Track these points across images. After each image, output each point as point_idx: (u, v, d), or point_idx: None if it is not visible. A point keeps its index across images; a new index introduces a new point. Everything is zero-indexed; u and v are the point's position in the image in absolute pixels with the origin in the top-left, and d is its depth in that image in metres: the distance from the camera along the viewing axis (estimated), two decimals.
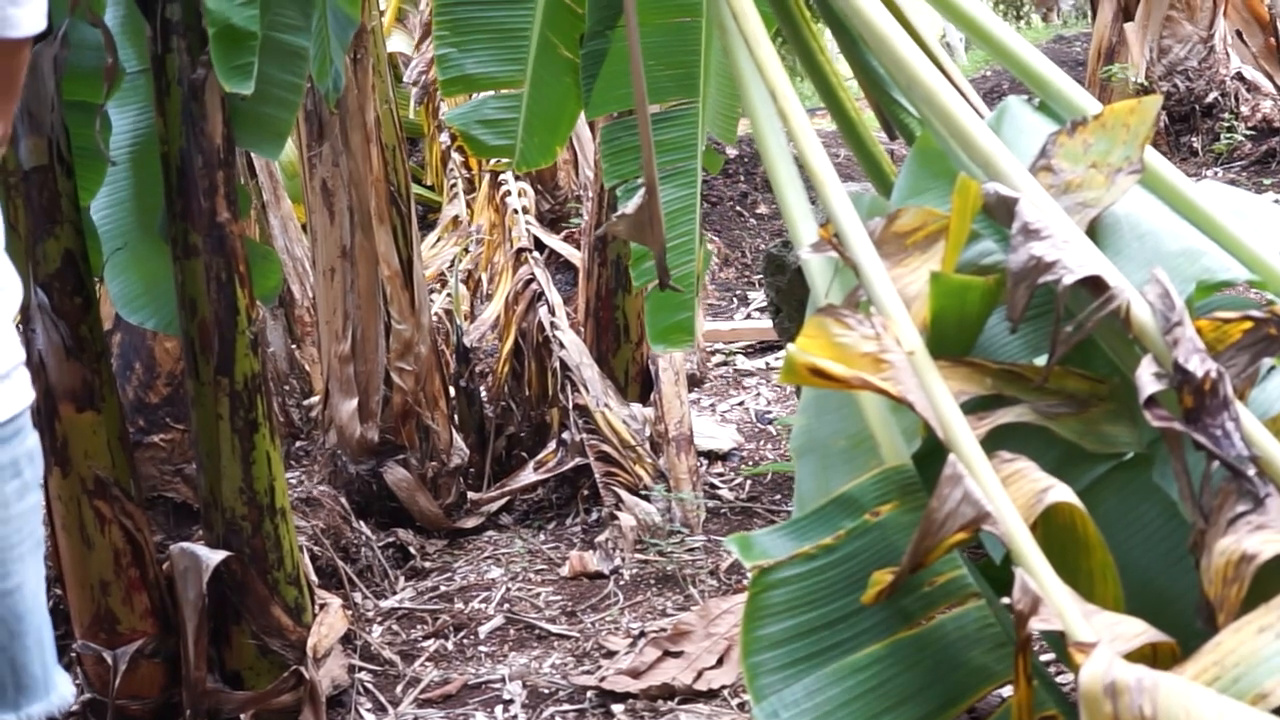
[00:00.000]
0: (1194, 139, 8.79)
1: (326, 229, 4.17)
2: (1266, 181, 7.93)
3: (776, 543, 2.27)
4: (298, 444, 4.87)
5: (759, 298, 6.57)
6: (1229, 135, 8.60)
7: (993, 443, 2.04)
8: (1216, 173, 8.26)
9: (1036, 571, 1.89)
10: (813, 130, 2.31)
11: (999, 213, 2.13)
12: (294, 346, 5.14)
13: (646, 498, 4.12)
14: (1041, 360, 2.14)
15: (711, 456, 4.78)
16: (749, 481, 4.55)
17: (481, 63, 3.38)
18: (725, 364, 5.98)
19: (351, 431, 4.21)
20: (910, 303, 2.12)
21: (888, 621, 2.15)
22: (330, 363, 4.26)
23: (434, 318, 5.68)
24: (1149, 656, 1.84)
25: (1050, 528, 1.97)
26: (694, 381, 5.56)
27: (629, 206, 2.59)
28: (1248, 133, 8.61)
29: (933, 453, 2.08)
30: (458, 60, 3.38)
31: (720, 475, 4.66)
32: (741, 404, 5.41)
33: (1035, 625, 1.83)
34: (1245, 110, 8.79)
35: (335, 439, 4.26)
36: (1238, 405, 1.89)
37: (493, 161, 5.34)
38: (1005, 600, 1.94)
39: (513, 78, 3.38)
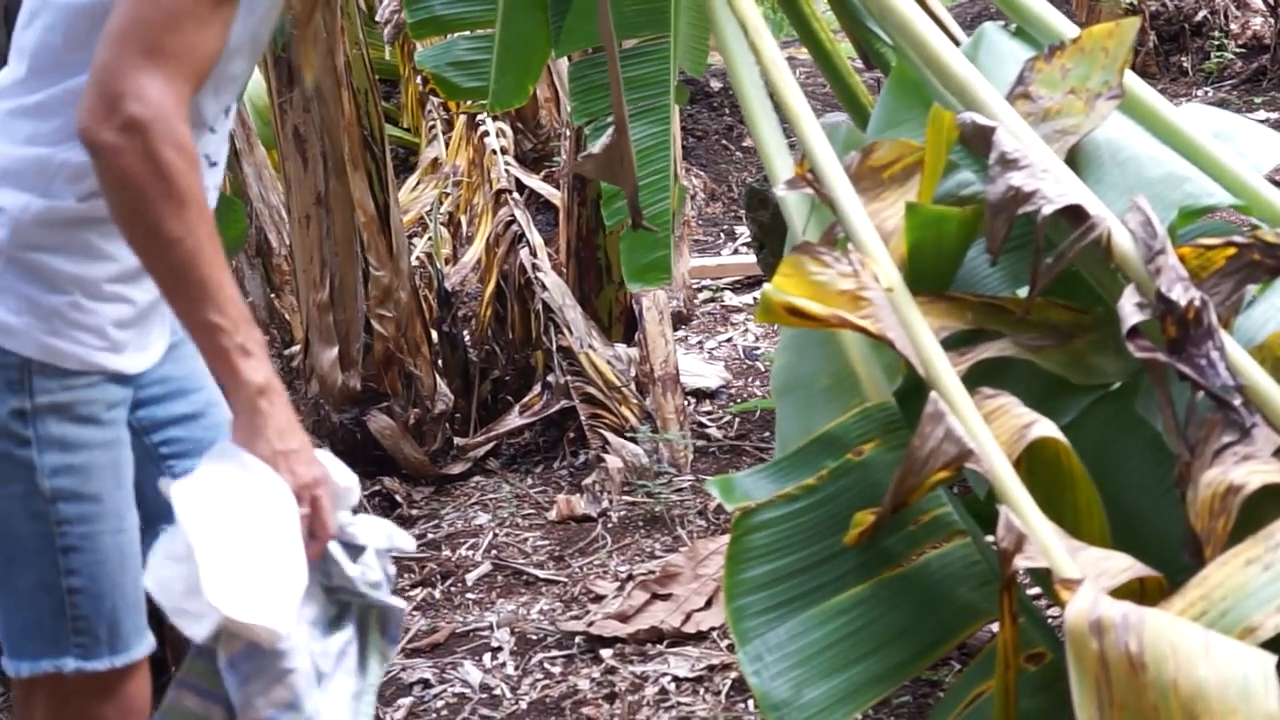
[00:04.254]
0: (1183, 58, 8.71)
1: (300, 176, 4.09)
2: (1257, 100, 7.86)
3: (758, 484, 2.24)
4: None
5: (746, 232, 6.51)
6: (1219, 54, 8.52)
7: (975, 378, 2.00)
8: (1207, 92, 8.18)
9: (1021, 508, 1.86)
10: (785, 64, 2.26)
11: (976, 142, 2.08)
12: (273, 295, 5.08)
13: (633, 439, 4.08)
14: (1023, 292, 2.10)
15: (699, 395, 4.73)
16: (737, 419, 4.51)
17: (450, 3, 3.32)
18: (712, 300, 5.92)
19: (333, 380, 4.16)
20: (888, 237, 2.08)
21: (872, 562, 2.12)
22: (309, 311, 4.20)
23: (416, 262, 5.61)
24: (1136, 592, 1.81)
25: (1034, 463, 1.94)
26: (681, 319, 5.51)
27: (596, 146, 2.54)
28: (1238, 51, 8.52)
29: (915, 389, 2.04)
30: (426, 1, 3.31)
31: (708, 413, 4.61)
32: (730, 340, 5.36)
33: (1020, 563, 1.80)
34: (1235, 28, 8.70)
35: (317, 388, 4.21)
36: (1222, 334, 1.86)
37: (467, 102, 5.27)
38: (991, 537, 1.91)
39: (483, 17, 3.31)
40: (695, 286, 5.88)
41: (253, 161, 4.93)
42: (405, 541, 1.89)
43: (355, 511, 1.86)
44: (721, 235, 6.92)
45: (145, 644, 1.95)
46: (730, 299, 5.89)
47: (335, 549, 1.79)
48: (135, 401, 1.97)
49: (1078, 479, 1.92)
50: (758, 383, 4.84)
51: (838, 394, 2.29)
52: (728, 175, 7.69)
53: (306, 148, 4.08)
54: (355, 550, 1.82)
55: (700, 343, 5.37)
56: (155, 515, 1.87)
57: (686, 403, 4.45)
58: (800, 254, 2.00)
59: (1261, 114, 7.51)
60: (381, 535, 1.85)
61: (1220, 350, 1.84)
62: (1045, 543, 1.81)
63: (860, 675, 2.05)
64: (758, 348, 5.18)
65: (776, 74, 2.23)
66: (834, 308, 1.95)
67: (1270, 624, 1.65)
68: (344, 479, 1.82)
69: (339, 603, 1.83)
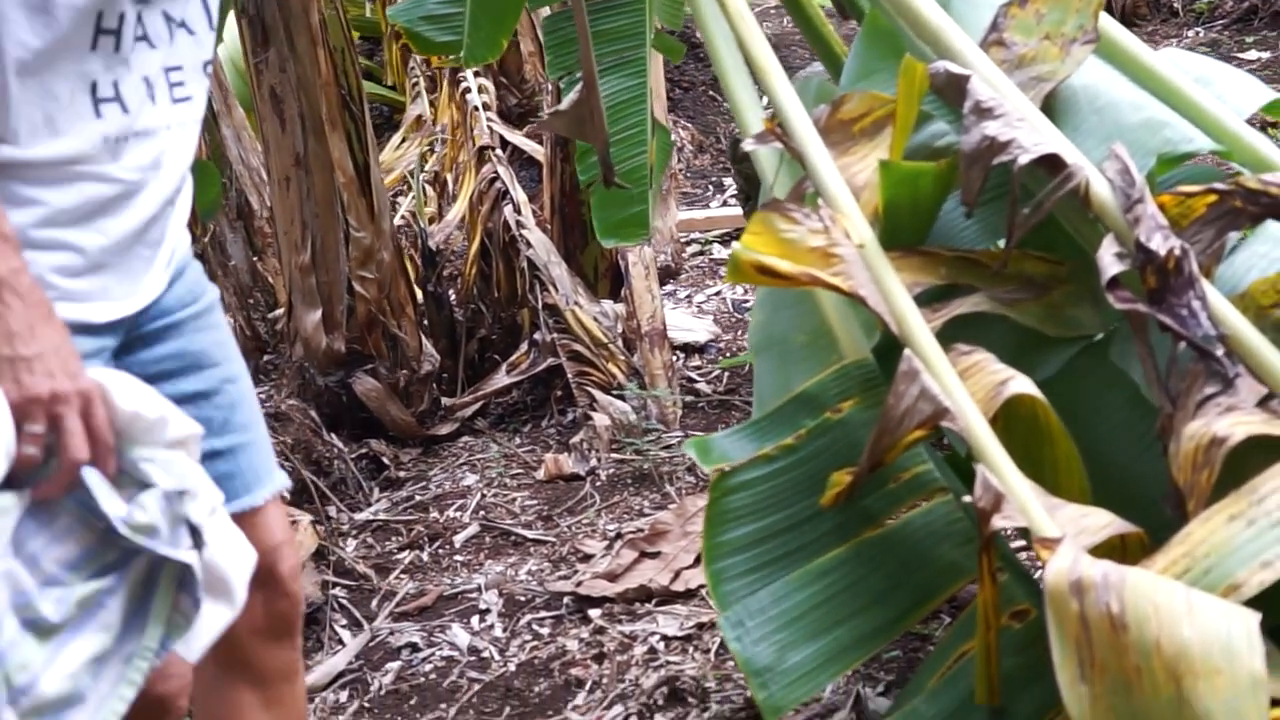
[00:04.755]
0: None
1: (278, 137, 4.03)
2: (1249, 39, 7.76)
3: (736, 445, 2.21)
4: (265, 358, 4.77)
5: (734, 184, 6.44)
6: None
7: (950, 334, 1.96)
8: (1198, 32, 8.08)
9: (998, 467, 1.82)
10: (752, 16, 2.20)
11: (949, 92, 2.04)
12: (255, 259, 5.03)
13: (621, 396, 4.04)
14: (1002, 245, 2.06)
15: (688, 349, 4.69)
16: (726, 374, 4.47)
17: None
18: (701, 253, 5.87)
19: (317, 343, 4.11)
20: (859, 192, 2.04)
21: (852, 522, 2.09)
22: (291, 274, 4.15)
23: (402, 220, 5.56)
24: (1118, 548, 1.78)
25: (1012, 420, 1.91)
26: (669, 273, 5.45)
27: (565, 101, 2.50)
28: None
29: (894, 345, 2.00)
30: None
31: (697, 368, 4.57)
32: (718, 294, 5.31)
33: (998, 522, 1.77)
34: None
35: (301, 351, 4.16)
36: (1204, 283, 1.82)
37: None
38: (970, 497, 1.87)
39: None
40: (683, 240, 5.82)
41: (231, 123, 4.88)
42: (201, 488, 1.64)
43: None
44: (710, 187, 6.86)
45: None
46: (719, 252, 5.84)
47: (94, 480, 1.57)
48: (144, 377, 1.80)
49: (1056, 435, 1.89)
50: (747, 336, 4.80)
51: (815, 351, 2.26)
52: (716, 127, 7.61)
53: (284, 108, 4.02)
54: (141, 488, 1.61)
55: (689, 297, 5.32)
56: None
57: (675, 358, 4.42)
58: (769, 211, 1.96)
59: (1253, 54, 7.42)
60: (174, 477, 1.62)
61: (1202, 299, 1.80)
62: (1023, 501, 1.78)
63: (844, 637, 2.03)
64: (747, 301, 5.14)
65: (743, 26, 2.18)
66: (805, 265, 1.91)
67: (1254, 581, 1.62)
68: (151, 410, 1.64)
69: (122, 549, 1.60)
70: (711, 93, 7.94)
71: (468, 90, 5.34)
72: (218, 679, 2.00)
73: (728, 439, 2.22)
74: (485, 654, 2.99)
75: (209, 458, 1.83)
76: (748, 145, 2.17)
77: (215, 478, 1.82)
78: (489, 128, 5.08)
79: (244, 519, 1.87)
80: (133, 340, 1.87)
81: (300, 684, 2.07)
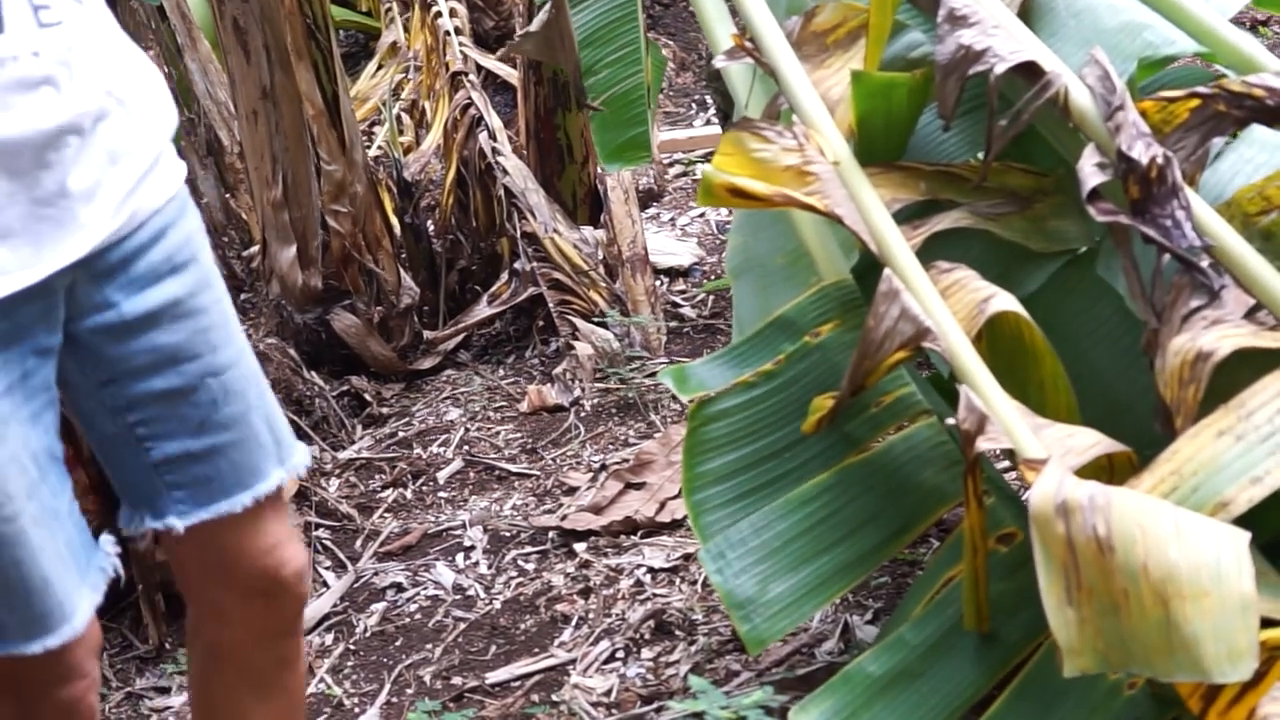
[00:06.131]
0: None
1: (244, 70, 3.94)
2: None
3: (714, 372, 2.16)
4: (242, 296, 4.70)
5: None
6: None
7: (930, 251, 1.91)
8: None
9: (982, 387, 1.77)
10: None
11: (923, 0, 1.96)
12: (228, 195, 4.94)
13: (604, 324, 3.98)
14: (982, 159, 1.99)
15: (672, 273, 4.62)
16: (711, 297, 4.41)
17: None
18: (685, 174, 5.78)
19: (293, 280, 4.04)
20: (834, 107, 1.97)
21: (834, 448, 2.05)
22: (264, 210, 4.07)
23: (379, 151, 5.46)
24: (1105, 468, 1.73)
25: (995, 339, 1.85)
26: (651, 196, 5.37)
27: (535, 23, 2.42)
28: None
29: (874, 264, 1.94)
30: None
31: (681, 293, 4.51)
32: (702, 216, 5.22)
33: (983, 445, 1.72)
34: None
35: (278, 289, 4.09)
36: (1188, 191, 1.76)
37: None
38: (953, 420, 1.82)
39: None
40: (665, 161, 5.73)
41: (196, 57, 4.77)
42: None
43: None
44: (694, 106, 6.75)
45: (81, 616, 1.63)
46: (702, 173, 5.74)
47: None
48: (110, 376, 1.66)
49: (1041, 353, 1.84)
50: (724, 260, 4.73)
51: (794, 273, 2.20)
52: (698, 44, 7.48)
53: (248, 39, 3.92)
54: None
55: (672, 220, 5.25)
56: (138, 499, 1.71)
57: (658, 283, 4.36)
58: (741, 130, 1.90)
59: None
60: None
61: (1186, 209, 1.74)
62: (1008, 422, 1.73)
63: (827, 566, 1.99)
64: (731, 222, 5.06)
65: None
66: (779, 185, 1.85)
67: (1243, 498, 1.58)
68: None
69: None
70: (693, 9, 7.81)
71: (439, 15, 5.23)
72: (208, 670, 1.87)
73: (705, 366, 2.17)
74: (470, 592, 2.95)
75: (183, 461, 1.69)
76: (718, 62, 2.10)
77: (189, 482, 1.70)
78: (461, 53, 4.97)
79: (224, 525, 1.71)
80: (96, 333, 1.63)
81: (299, 667, 1.90)
